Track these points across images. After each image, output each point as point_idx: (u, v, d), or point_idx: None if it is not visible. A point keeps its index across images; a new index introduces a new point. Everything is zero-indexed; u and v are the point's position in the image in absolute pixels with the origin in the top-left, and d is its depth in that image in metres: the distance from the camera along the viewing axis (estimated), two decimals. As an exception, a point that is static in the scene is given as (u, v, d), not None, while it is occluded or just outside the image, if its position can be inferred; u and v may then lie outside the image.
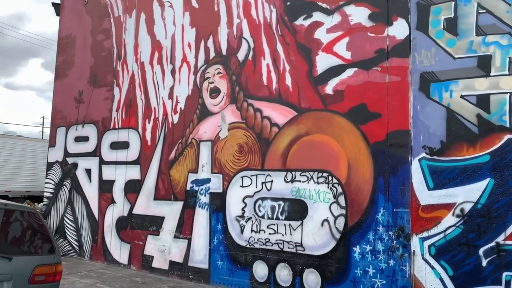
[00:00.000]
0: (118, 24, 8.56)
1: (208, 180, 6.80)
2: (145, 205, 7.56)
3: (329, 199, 5.59)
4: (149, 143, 7.67)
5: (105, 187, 8.25)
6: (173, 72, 7.51)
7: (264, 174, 6.18)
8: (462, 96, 4.82)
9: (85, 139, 8.78)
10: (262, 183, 6.18)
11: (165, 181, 7.34)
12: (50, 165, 9.42)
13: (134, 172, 7.82)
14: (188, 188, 7.02)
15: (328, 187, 5.61)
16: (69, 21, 9.60)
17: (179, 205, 7.11)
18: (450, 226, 4.73)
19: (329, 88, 5.74)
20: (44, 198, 9.52)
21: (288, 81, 6.12)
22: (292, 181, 5.91)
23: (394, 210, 5.11)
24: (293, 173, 5.90)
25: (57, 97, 9.58)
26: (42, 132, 44.27)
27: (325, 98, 5.75)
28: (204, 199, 6.80)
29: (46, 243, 3.65)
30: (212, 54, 7.05)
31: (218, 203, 6.64)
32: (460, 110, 4.82)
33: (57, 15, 9.95)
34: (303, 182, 5.82)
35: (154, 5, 7.96)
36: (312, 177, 5.74)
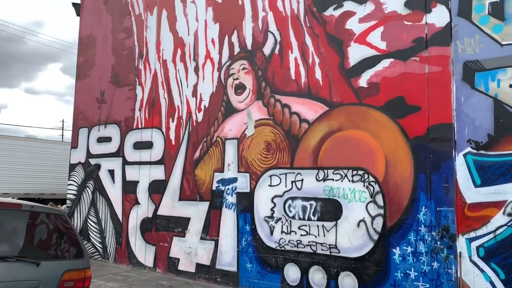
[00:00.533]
0: (139, 22, 8.40)
1: (234, 180, 6.56)
2: (170, 206, 7.36)
3: (365, 198, 5.28)
4: (173, 143, 7.47)
5: (129, 188, 8.09)
6: (196, 69, 7.30)
7: (293, 173, 5.91)
8: (511, 86, 4.47)
9: (108, 139, 8.64)
10: (292, 182, 5.91)
11: (190, 181, 7.13)
12: (72, 167, 9.32)
13: (158, 172, 7.64)
14: (214, 188, 6.79)
15: (364, 186, 5.30)
16: (90, 20, 9.49)
17: (205, 205, 6.89)
18: (501, 226, 4.37)
19: (363, 81, 5.43)
20: (67, 200, 9.43)
21: (318, 74, 5.84)
22: (324, 179, 5.62)
23: (437, 209, 4.78)
24: (325, 171, 5.61)
25: (79, 98, 9.49)
26: (62, 135, 44.92)
27: (359, 91, 5.45)
28: (231, 199, 6.56)
29: (74, 246, 3.45)
30: (236, 49, 6.81)
31: (245, 203, 6.39)
32: (509, 100, 4.46)
33: (78, 15, 9.86)
34: (336, 180, 5.52)
35: (176, 1, 7.77)
36: (346, 175, 5.44)
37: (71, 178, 9.34)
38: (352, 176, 5.40)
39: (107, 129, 8.69)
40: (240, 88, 6.66)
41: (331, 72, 5.73)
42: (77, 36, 9.79)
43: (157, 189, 7.62)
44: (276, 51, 6.30)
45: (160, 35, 7.97)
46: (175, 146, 7.44)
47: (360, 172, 5.34)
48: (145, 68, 8.14)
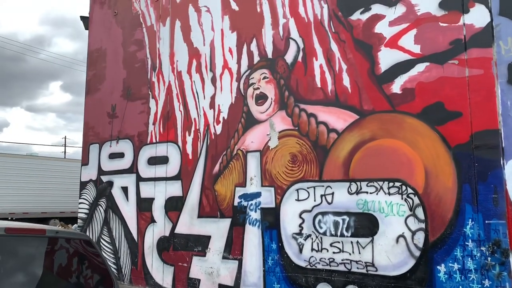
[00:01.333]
0: (151, 33, 8.15)
1: (258, 194, 6.22)
2: (189, 223, 7.01)
3: (404, 212, 4.93)
4: (190, 157, 7.15)
5: (144, 205, 7.75)
6: (213, 80, 7.02)
7: (323, 186, 5.57)
8: None
9: (120, 155, 8.33)
10: (322, 195, 5.57)
11: (210, 197, 6.79)
12: (83, 185, 9.00)
13: (174, 189, 7.30)
14: (235, 203, 6.45)
15: (402, 198, 4.96)
16: (99, 34, 9.26)
17: (226, 222, 6.53)
18: (561, 239, 4.03)
19: (396, 87, 5.13)
20: (78, 219, 9.08)
21: (346, 81, 5.54)
22: (357, 192, 5.28)
23: (486, 222, 4.42)
24: (358, 183, 5.27)
25: (89, 113, 9.21)
26: (65, 152, 44.77)
27: (392, 98, 5.14)
28: (255, 215, 6.21)
29: (103, 275, 3.11)
30: (256, 58, 6.52)
31: (271, 220, 6.04)
32: (562, 103, 4.15)
33: (86, 29, 9.64)
34: (370, 193, 5.18)
35: (189, 11, 7.52)
36: (381, 188, 5.10)
37: (82, 196, 9.00)
38: (389, 188, 5.06)
39: (119, 145, 8.38)
40: (261, 98, 6.36)
41: (361, 79, 5.42)
42: (86, 50, 9.55)
43: (174, 206, 7.28)
44: (299, 59, 6.01)
45: (174, 46, 7.71)
46: (192, 161, 7.12)
47: (397, 184, 5.00)
48: (159, 80, 7.86)
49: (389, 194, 5.05)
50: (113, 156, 8.48)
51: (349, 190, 5.34)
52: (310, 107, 5.83)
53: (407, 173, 4.95)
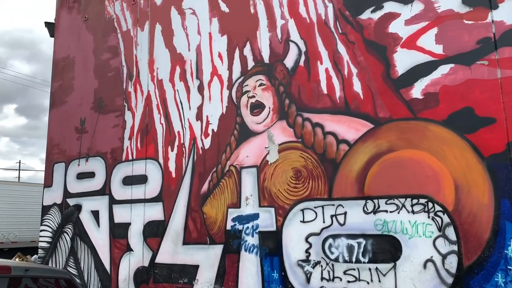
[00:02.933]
0: (128, 39, 7.35)
1: (255, 216, 5.45)
2: (172, 251, 6.11)
3: (431, 233, 4.31)
4: (173, 175, 6.31)
5: (118, 231, 6.78)
6: (200, 88, 6.28)
7: (333, 205, 4.89)
8: None
9: (90, 175, 7.36)
10: (332, 216, 4.88)
11: (197, 220, 5.95)
12: (46, 209, 7.90)
13: (155, 212, 6.41)
14: (228, 227, 5.65)
15: (428, 217, 4.34)
16: (66, 41, 8.35)
17: (217, 249, 5.70)
18: None
19: (416, 91, 4.57)
20: (39, 249, 7.94)
21: (357, 86, 4.95)
22: (374, 211, 4.62)
23: (532, 242, 3.86)
24: (376, 201, 4.63)
25: (53, 129, 8.20)
26: (19, 176, 42.48)
27: (413, 104, 4.57)
28: (252, 240, 5.42)
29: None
30: (250, 63, 5.86)
31: (271, 245, 5.27)
32: None
33: (51, 36, 8.71)
34: (391, 212, 4.54)
35: (172, 14, 6.81)
36: (404, 205, 4.47)
37: (44, 223, 7.89)
38: (412, 205, 4.43)
39: (89, 163, 7.42)
40: (257, 107, 5.67)
41: (374, 83, 4.85)
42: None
43: (154, 231, 6.37)
44: (301, 63, 5.40)
45: (154, 53, 6.94)
46: (175, 179, 6.28)
47: (422, 201, 4.38)
48: (136, 90, 7.04)
49: (413, 212, 4.42)
50: (81, 176, 7.50)
51: (365, 209, 4.68)
52: (315, 116, 5.18)
53: (434, 187, 4.35)
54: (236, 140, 5.78)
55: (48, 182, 8.01)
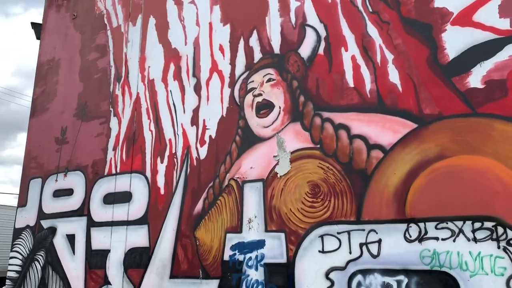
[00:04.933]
0: (118, 36, 6.40)
1: (260, 244, 4.26)
2: (157, 286, 4.90)
3: (503, 269, 3.08)
4: (161, 192, 5.18)
5: (95, 260, 5.61)
6: (197, 88, 5.23)
7: (363, 230, 3.70)
8: None
9: (68, 192, 6.26)
10: (361, 245, 3.68)
11: (188, 248, 4.77)
12: (17, 232, 6.78)
13: (138, 237, 5.24)
14: (226, 257, 4.45)
15: (498, 247, 3.13)
16: (52, 42, 7.45)
17: (212, 285, 4.48)
18: None
19: (475, 79, 3.45)
20: (7, 280, 6.76)
21: (394, 76, 3.85)
22: (420, 239, 3.42)
23: None
24: (422, 225, 3.43)
25: (32, 140, 7.17)
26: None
27: (470, 96, 3.44)
28: (255, 274, 4.21)
29: None
30: (257, 55, 4.82)
31: (280, 282, 4.06)
32: None
33: (37, 38, 7.83)
34: (443, 240, 3.33)
35: (168, 4, 5.86)
36: (461, 231, 3.27)
37: (14, 248, 6.75)
38: (474, 231, 3.23)
39: (68, 179, 6.33)
40: (264, 108, 4.58)
41: (417, 71, 3.74)
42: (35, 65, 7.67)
43: (137, 261, 5.18)
44: (321, 51, 4.33)
45: (146, 49, 5.95)
46: (164, 197, 5.14)
47: (488, 225, 3.18)
48: (124, 93, 6.01)
49: (476, 240, 3.21)
50: (58, 193, 6.39)
51: (407, 235, 3.48)
52: (338, 116, 4.06)
53: (504, 206, 3.16)
54: (238, 148, 4.66)
55: (22, 201, 6.91)
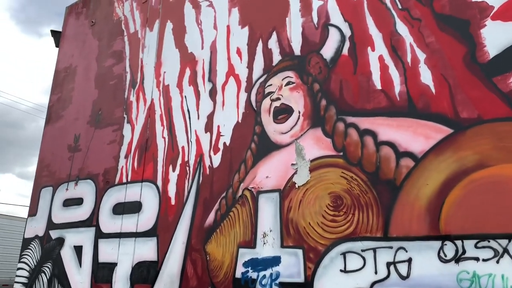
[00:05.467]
0: (135, 41, 6.24)
1: (275, 261, 3.88)
2: (163, 304, 4.55)
3: (560, 297, 2.63)
4: (172, 202, 4.87)
5: (102, 274, 5.31)
6: (213, 93, 4.96)
7: (390, 248, 3.28)
8: None
9: (78, 202, 6.02)
10: (389, 264, 3.26)
11: (198, 263, 4.42)
12: (26, 243, 6.56)
13: (147, 250, 4.93)
14: (238, 274, 4.08)
15: (553, 271, 2.68)
16: (70, 49, 7.37)
17: (222, 305, 4.11)
18: None
19: (521, 78, 3.06)
20: (13, 292, 6.52)
21: (427, 77, 3.48)
22: (457, 259, 2.99)
23: None
24: (459, 243, 3.00)
25: (45, 148, 7.02)
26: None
27: (516, 96, 3.05)
28: (269, 294, 3.82)
29: None
30: (276, 57, 4.52)
31: (296, 303, 3.65)
32: None
33: (56, 46, 7.77)
34: (484, 260, 2.89)
35: (186, 8, 5.67)
36: (506, 250, 2.83)
37: (22, 259, 6.53)
38: (522, 252, 2.79)
39: (79, 187, 6.11)
40: (283, 113, 4.26)
41: (453, 71, 3.37)
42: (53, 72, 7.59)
43: (144, 276, 4.85)
44: (345, 51, 4.01)
45: (162, 54, 5.75)
46: (175, 208, 4.83)
47: (540, 245, 2.74)
48: (138, 99, 5.80)
49: (525, 263, 2.77)
50: (68, 202, 6.17)
51: (442, 255, 3.05)
52: (364, 121, 3.70)
53: (559, 224, 2.72)
54: (253, 156, 4.33)
55: (32, 211, 6.72)
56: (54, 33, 7.77)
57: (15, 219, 18.48)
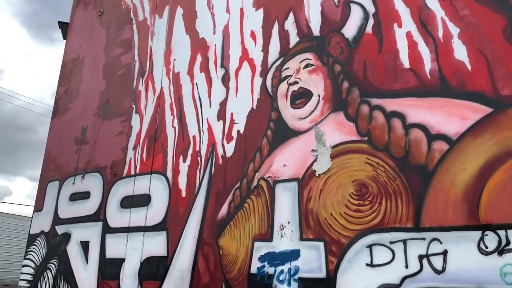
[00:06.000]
0: (144, 29, 6.00)
1: (294, 254, 3.59)
2: (173, 302, 4.29)
3: None
4: (183, 194, 4.61)
5: (109, 270, 5.06)
6: (225, 79, 4.69)
7: (423, 239, 2.98)
8: None
9: (85, 195, 5.79)
10: (421, 257, 2.96)
11: (210, 258, 4.15)
12: (32, 239, 6.34)
13: (156, 244, 4.67)
14: (253, 270, 3.80)
15: None
16: (78, 40, 7.16)
17: (236, 303, 3.83)
18: None
19: None
20: (18, 289, 6.31)
21: (461, 52, 3.18)
22: (500, 251, 2.68)
23: None
24: (502, 233, 2.70)
25: (52, 141, 6.81)
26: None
27: None
28: (288, 291, 3.54)
29: None
30: (293, 39, 4.25)
31: (318, 300, 3.36)
32: None
33: (64, 38, 7.58)
34: (533, 252, 2.59)
35: (196, -7, 5.42)
36: (559, 241, 2.52)
37: (27, 256, 6.31)
38: None
39: (86, 181, 5.87)
40: (301, 97, 3.98)
41: (490, 45, 3.06)
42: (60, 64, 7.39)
43: (153, 272, 4.59)
44: (369, 29, 3.72)
45: (172, 41, 5.51)
46: (186, 200, 4.57)
47: None
48: (147, 88, 5.56)
49: None
50: (75, 197, 5.94)
51: (482, 246, 2.75)
52: (391, 102, 3.41)
53: None
54: (269, 144, 4.05)
55: (38, 206, 6.50)
56: (62, 25, 7.57)
57: (17, 218, 18.33)
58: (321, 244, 3.46)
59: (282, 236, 3.70)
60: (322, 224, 3.49)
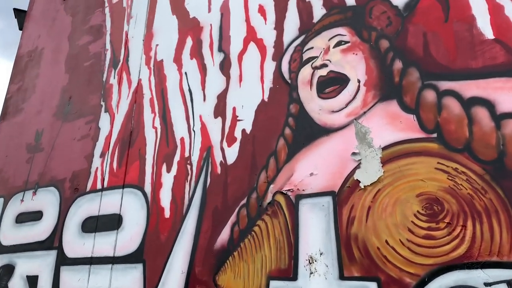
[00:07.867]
0: (118, 12, 4.94)
1: (330, 300, 2.53)
2: None
3: None
4: (166, 214, 3.48)
5: (62, 316, 3.81)
6: (225, 65, 3.66)
7: (540, 280, 2.00)
8: None
9: (36, 216, 4.55)
10: (542, 308, 1.97)
11: (205, 302, 3.01)
12: (-35, 271, 4.98)
13: (129, 281, 3.49)
14: (269, 321, 2.69)
15: None
16: (37, 30, 6.00)
17: None
18: None
19: None
20: None
21: None
22: None
23: None
24: None
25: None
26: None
27: None
28: None
29: None
30: (318, 12, 3.29)
31: None
32: None
33: (20, 29, 6.39)
34: None
35: (185, -34, 4.42)
36: None
37: (-42, 294, 4.93)
38: None
39: (38, 197, 4.64)
40: (332, 83, 2.99)
41: None
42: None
43: (123, 319, 3.40)
44: (428, -7, 2.80)
45: (154, 24, 4.46)
46: (170, 222, 3.43)
47: None
48: (120, 81, 4.45)
49: None
50: (23, 218, 4.67)
51: None
52: (469, 85, 2.46)
53: None
54: (288, 146, 3.02)
55: (-24, 229, 5.16)
56: (18, 13, 6.39)
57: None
58: (372, 285, 2.41)
59: (312, 273, 2.63)
60: (373, 256, 2.45)
